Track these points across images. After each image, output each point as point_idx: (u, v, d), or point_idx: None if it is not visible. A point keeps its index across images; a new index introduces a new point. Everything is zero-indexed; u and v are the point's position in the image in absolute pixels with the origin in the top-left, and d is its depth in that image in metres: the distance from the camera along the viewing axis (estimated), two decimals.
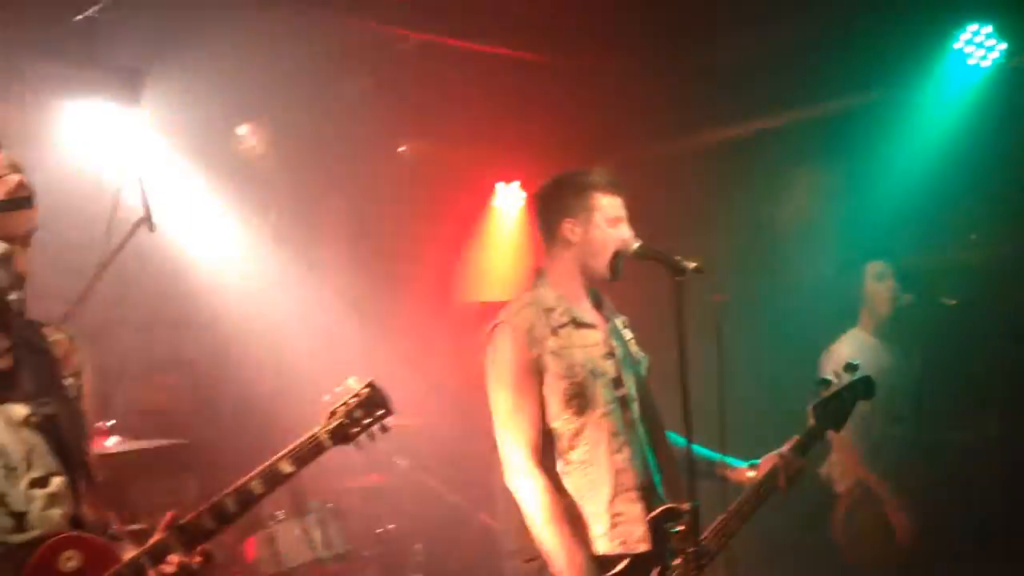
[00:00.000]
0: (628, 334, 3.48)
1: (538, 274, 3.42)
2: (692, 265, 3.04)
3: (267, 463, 2.73)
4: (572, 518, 3.16)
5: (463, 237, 7.24)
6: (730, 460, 3.43)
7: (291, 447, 2.77)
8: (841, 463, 4.98)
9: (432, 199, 6.86)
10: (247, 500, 2.70)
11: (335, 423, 2.82)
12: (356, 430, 2.85)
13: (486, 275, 7.08)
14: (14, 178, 2.50)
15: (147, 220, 5.23)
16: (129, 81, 5.75)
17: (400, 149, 6.67)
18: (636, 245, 3.29)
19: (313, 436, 2.80)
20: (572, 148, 6.49)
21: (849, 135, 5.69)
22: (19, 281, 2.48)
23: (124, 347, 5.72)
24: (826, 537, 4.98)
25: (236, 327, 6.12)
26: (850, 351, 4.74)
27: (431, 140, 6.83)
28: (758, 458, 3.40)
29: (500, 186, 7.29)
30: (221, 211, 6.04)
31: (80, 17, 5.32)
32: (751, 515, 3.28)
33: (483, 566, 5.45)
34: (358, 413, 2.85)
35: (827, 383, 3.53)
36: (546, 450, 3.24)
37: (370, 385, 2.89)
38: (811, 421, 3.45)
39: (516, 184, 7.24)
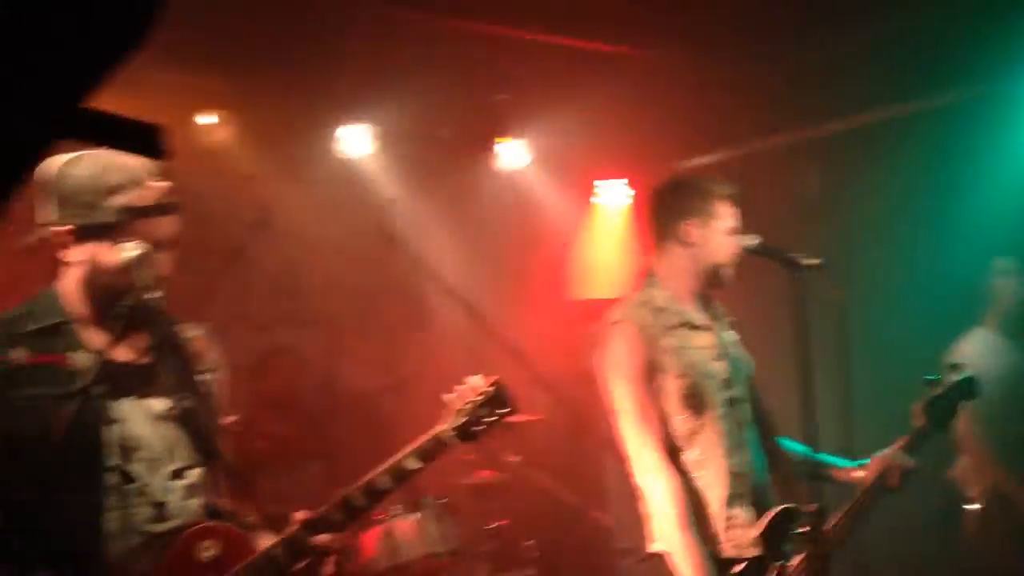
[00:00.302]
0: (734, 335, 3.45)
1: (648, 274, 3.41)
2: (812, 262, 3.00)
3: (394, 459, 2.78)
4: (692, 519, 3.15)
5: (567, 235, 7.25)
6: (838, 461, 3.38)
7: (417, 444, 2.80)
8: (974, 466, 4.84)
9: (536, 197, 6.90)
10: (375, 495, 2.75)
11: (461, 421, 2.84)
12: (479, 428, 2.87)
13: (591, 273, 7.07)
14: (161, 185, 2.60)
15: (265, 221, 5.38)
16: None
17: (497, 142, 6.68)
18: (755, 242, 3.26)
19: (439, 433, 2.83)
20: (675, 145, 6.46)
21: (970, 129, 5.51)
22: (160, 282, 2.57)
23: (244, 344, 5.89)
24: (955, 544, 4.84)
25: (351, 325, 6.25)
26: (974, 350, 4.62)
27: (535, 136, 6.85)
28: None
29: (603, 183, 7.26)
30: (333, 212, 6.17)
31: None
32: (863, 516, 3.23)
33: (595, 563, 5.43)
34: (482, 411, 2.86)
35: (936, 381, 3.47)
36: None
37: (495, 383, 2.90)
38: (917, 420, 3.40)
39: (620, 181, 7.20)
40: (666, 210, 3.42)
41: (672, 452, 3.21)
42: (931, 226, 5.54)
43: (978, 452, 4.80)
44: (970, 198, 5.37)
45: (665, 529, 3.13)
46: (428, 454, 2.80)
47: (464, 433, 2.85)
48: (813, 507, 3.01)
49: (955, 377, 3.50)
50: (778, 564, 3.08)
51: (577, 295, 7.12)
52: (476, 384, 2.91)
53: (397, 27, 5.37)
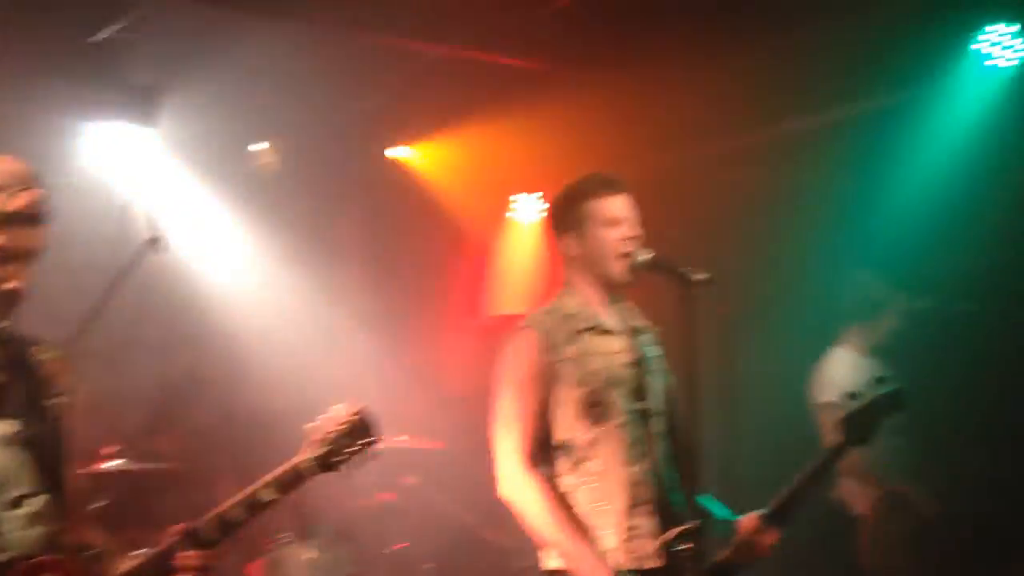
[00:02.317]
0: (657, 348, 3.39)
1: (565, 283, 3.36)
2: (701, 277, 2.96)
3: (247, 491, 2.70)
4: (581, 529, 3.07)
5: (480, 251, 7.19)
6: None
7: (272, 475, 2.72)
8: (859, 483, 4.83)
9: (449, 213, 6.83)
10: (227, 527, 2.67)
11: (320, 451, 2.75)
12: (340, 459, 2.78)
13: (506, 288, 7.01)
14: (27, 194, 2.47)
15: (158, 239, 5.25)
16: (144, 101, 5.81)
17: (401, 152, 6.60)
18: (644, 257, 3.22)
19: (298, 464, 2.73)
20: (590, 159, 6.42)
21: (867, 139, 5.55)
22: (12, 299, 2.46)
23: (139, 367, 5.76)
24: (844, 562, 4.83)
25: (251, 345, 6.14)
26: (836, 371, 4.67)
27: (446, 153, 6.79)
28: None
29: (520, 197, 7.22)
30: (235, 229, 6.05)
31: (96, 38, 5.38)
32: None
33: None
34: (344, 441, 2.77)
35: (855, 396, 3.38)
36: (560, 461, 3.15)
37: (358, 412, 2.81)
38: (834, 437, 3.31)
39: (536, 195, 7.16)
40: (552, 229, 3.40)
41: (575, 463, 3.13)
42: (827, 236, 5.56)
43: (860, 468, 4.79)
44: (863, 208, 5.40)
45: (545, 534, 3.07)
46: (285, 486, 2.71)
47: (324, 464, 2.75)
48: (695, 524, 2.97)
49: (878, 391, 3.39)
50: None
51: (490, 311, 7.05)
52: (339, 413, 2.81)
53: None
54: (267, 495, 2.69)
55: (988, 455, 4.96)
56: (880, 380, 3.42)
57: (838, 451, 3.31)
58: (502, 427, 3.15)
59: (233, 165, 6.13)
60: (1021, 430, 5.02)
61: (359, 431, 2.79)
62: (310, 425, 2.81)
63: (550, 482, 3.12)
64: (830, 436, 3.34)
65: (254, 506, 2.68)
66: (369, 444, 2.81)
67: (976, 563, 4.94)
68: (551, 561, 3.13)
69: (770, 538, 3.16)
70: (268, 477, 2.71)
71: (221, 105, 5.75)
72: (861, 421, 3.33)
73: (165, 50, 5.47)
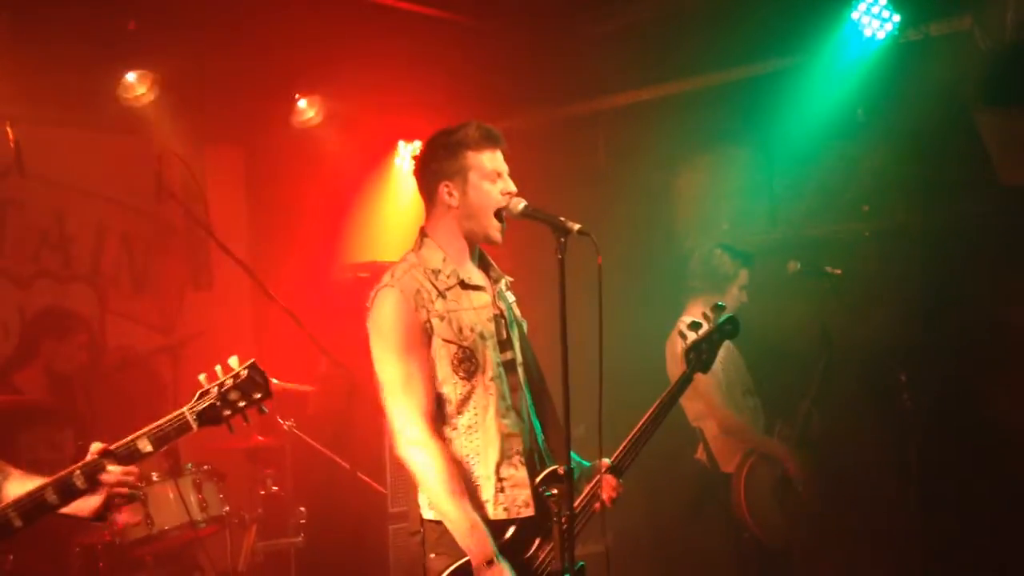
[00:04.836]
0: (511, 297, 3.42)
1: (423, 235, 3.32)
2: (576, 227, 2.99)
3: (125, 440, 2.71)
4: (464, 485, 3.11)
5: (360, 194, 7.09)
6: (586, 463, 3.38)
7: (154, 426, 2.72)
8: (726, 440, 5.02)
9: (330, 155, 6.70)
10: (95, 477, 2.68)
11: (205, 404, 2.75)
12: (229, 412, 2.78)
13: (382, 235, 6.94)
14: None
15: (17, 164, 5.02)
16: None
17: (296, 98, 6.43)
18: (522, 205, 3.22)
19: (179, 416, 2.74)
20: (476, 107, 6.38)
21: (746, 104, 5.67)
22: None
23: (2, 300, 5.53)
24: (717, 515, 5.02)
25: (123, 282, 5.95)
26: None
27: (332, 93, 6.65)
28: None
29: (402, 144, 7.14)
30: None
31: None
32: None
33: (368, 528, 5.39)
34: (233, 395, 2.78)
35: (698, 325, 3.58)
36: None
37: (250, 367, 2.81)
38: (683, 367, 3.53)
39: (417, 143, 7.10)
40: (424, 175, 3.33)
41: (445, 416, 3.16)
42: (704, 197, 5.69)
43: (730, 426, 5.00)
44: (742, 170, 5.53)
45: (436, 501, 3.09)
46: (164, 437, 2.72)
47: (206, 417, 2.75)
48: (562, 469, 3.03)
49: (716, 319, 3.60)
50: (549, 523, 3.07)
51: (363, 258, 6.97)
52: (231, 366, 2.81)
53: None
54: (145, 446, 2.72)
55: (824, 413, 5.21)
56: (717, 308, 3.64)
57: (685, 380, 3.51)
58: (397, 392, 3.12)
59: (105, 94, 5.86)
60: (865, 391, 5.34)
61: (250, 386, 2.80)
62: (201, 376, 2.80)
63: (456, 440, 3.16)
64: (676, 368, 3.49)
65: (130, 457, 2.71)
66: (261, 400, 2.82)
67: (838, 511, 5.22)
68: (430, 512, 3.16)
69: (614, 482, 3.30)
70: (148, 428, 2.72)
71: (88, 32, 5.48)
72: (704, 348, 3.55)
73: None
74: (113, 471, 2.70)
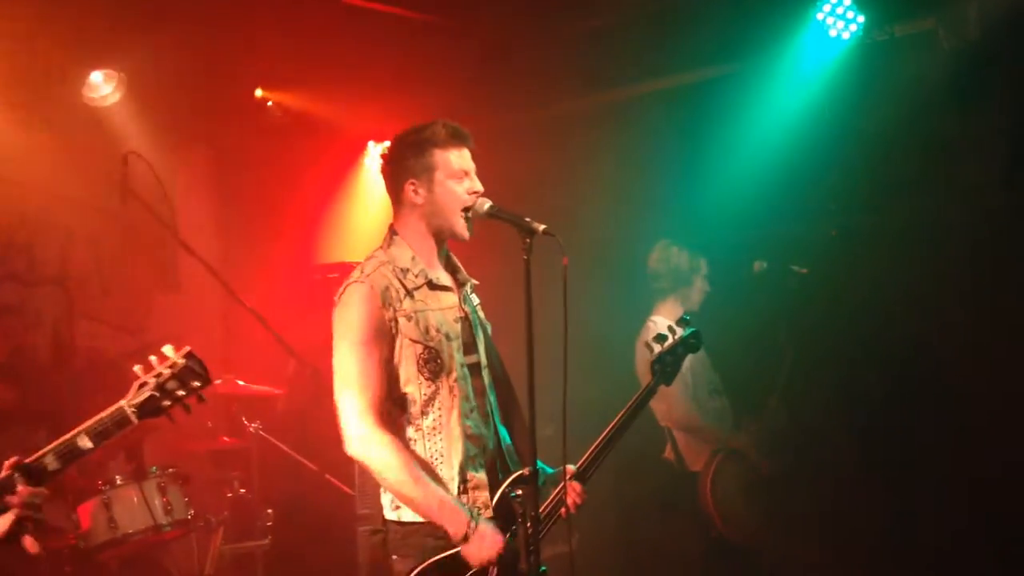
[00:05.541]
0: (476, 299, 3.42)
1: (392, 233, 3.31)
2: (541, 228, 2.98)
3: (64, 438, 2.63)
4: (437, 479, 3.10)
5: (330, 195, 7.07)
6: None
7: (92, 421, 2.65)
8: (696, 439, 5.04)
9: (300, 155, 6.67)
10: (39, 475, 2.61)
11: (143, 396, 2.68)
12: (168, 403, 2.70)
13: (352, 235, 6.92)
14: None
15: None
16: None
17: (258, 94, 6.39)
18: (487, 206, 3.21)
19: (117, 410, 2.66)
20: (445, 107, 6.36)
21: (711, 105, 5.69)
22: None
23: None
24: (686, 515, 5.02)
25: (91, 284, 5.90)
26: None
27: (301, 93, 6.62)
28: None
29: (372, 145, 7.13)
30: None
31: None
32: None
33: (335, 531, 5.36)
34: (171, 384, 2.70)
35: (664, 338, 3.60)
36: (397, 416, 3.15)
37: (187, 355, 2.73)
38: (646, 378, 3.55)
39: (385, 144, 7.07)
40: (391, 173, 3.32)
41: (409, 417, 3.15)
42: (669, 199, 5.70)
43: (695, 427, 5.03)
44: (706, 171, 5.55)
45: (401, 490, 3.06)
46: (104, 432, 2.64)
47: (145, 409, 2.67)
48: (526, 471, 3.01)
49: (681, 333, 3.63)
50: (512, 526, 3.08)
51: (332, 259, 6.95)
52: (166, 355, 2.72)
53: None
54: (85, 443, 2.64)
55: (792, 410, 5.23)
56: (684, 320, 3.68)
57: (649, 392, 3.51)
58: (348, 386, 3.11)
59: (68, 95, 5.81)
60: (832, 389, 5.36)
61: (188, 374, 2.72)
62: (137, 367, 2.73)
63: (420, 441, 3.14)
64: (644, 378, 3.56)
65: (70, 454, 2.63)
66: (199, 388, 2.74)
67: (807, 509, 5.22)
68: (392, 512, 3.15)
69: (579, 488, 3.26)
70: (87, 423, 2.65)
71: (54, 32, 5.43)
72: (669, 360, 3.58)
73: None
74: (21, 492, 2.61)
